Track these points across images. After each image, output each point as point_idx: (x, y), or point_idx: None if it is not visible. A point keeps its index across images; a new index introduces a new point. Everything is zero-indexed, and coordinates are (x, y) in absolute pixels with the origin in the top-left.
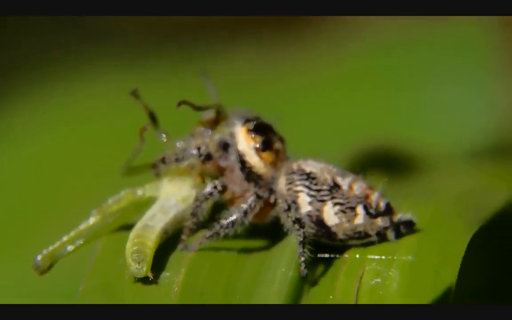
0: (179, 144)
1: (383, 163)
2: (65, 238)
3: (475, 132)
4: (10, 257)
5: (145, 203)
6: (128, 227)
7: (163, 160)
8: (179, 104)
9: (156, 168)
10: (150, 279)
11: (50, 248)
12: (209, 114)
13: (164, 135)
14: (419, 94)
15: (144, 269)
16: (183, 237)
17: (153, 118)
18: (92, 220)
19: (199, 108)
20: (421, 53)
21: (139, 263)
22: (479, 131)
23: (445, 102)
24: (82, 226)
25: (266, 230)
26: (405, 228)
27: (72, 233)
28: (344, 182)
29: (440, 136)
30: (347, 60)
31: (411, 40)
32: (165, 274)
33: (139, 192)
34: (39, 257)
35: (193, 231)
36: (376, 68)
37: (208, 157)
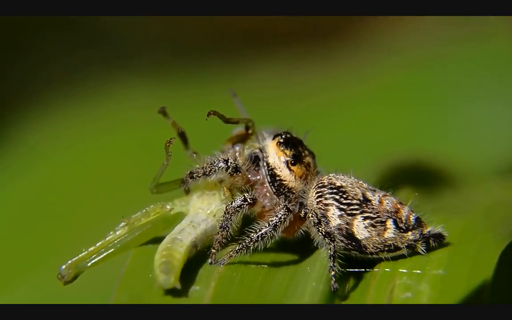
0: (207, 159)
1: (413, 178)
2: (91, 249)
3: (504, 148)
4: (39, 270)
5: (174, 219)
6: (158, 241)
7: (191, 175)
8: (209, 114)
9: (185, 184)
10: (178, 289)
11: (75, 258)
12: (239, 130)
13: (194, 154)
14: (449, 110)
15: (172, 280)
16: (213, 250)
17: (182, 136)
18: (119, 231)
19: (228, 121)
20: (452, 69)
21: (167, 273)
22: (508, 147)
23: (475, 118)
24: (109, 237)
25: (296, 244)
26: (435, 242)
27: (98, 244)
28: (374, 197)
29: (470, 152)
30: (377, 75)
31: (441, 55)
32: (195, 288)
33: (168, 206)
34: (63, 267)
35: (223, 245)
36: (405, 84)
37: (236, 169)
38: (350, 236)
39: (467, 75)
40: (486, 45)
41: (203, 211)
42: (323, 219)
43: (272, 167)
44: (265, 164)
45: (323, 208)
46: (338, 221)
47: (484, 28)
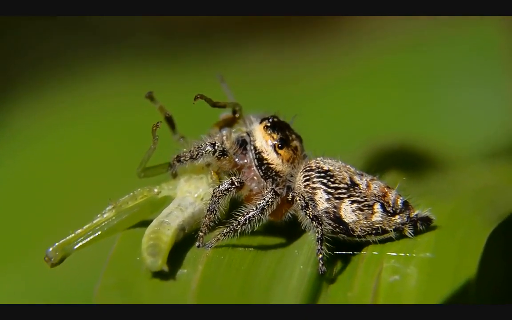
0: (194, 143)
1: (400, 162)
2: (78, 231)
3: (491, 132)
4: (26, 255)
5: (162, 203)
6: (145, 224)
7: (178, 159)
8: (196, 97)
9: (172, 168)
10: (165, 271)
11: (62, 240)
12: (226, 115)
13: (181, 138)
14: (436, 94)
15: (159, 262)
16: (201, 233)
17: (169, 120)
18: (106, 214)
19: (215, 104)
20: (439, 54)
21: (154, 256)
22: (495, 131)
23: (461, 102)
24: (96, 220)
25: (284, 228)
26: (423, 225)
27: (85, 227)
28: (361, 181)
29: (457, 136)
30: (364, 59)
31: (428, 40)
32: (183, 271)
33: (155, 189)
34: (50, 249)
35: (211, 228)
36: (392, 68)
37: (223, 153)
38: (337, 219)
39: (453, 60)
40: (473, 29)
41: (190, 195)
42: (310, 203)
43: (259, 150)
44: (252, 147)
45: (310, 191)
46: (326, 205)
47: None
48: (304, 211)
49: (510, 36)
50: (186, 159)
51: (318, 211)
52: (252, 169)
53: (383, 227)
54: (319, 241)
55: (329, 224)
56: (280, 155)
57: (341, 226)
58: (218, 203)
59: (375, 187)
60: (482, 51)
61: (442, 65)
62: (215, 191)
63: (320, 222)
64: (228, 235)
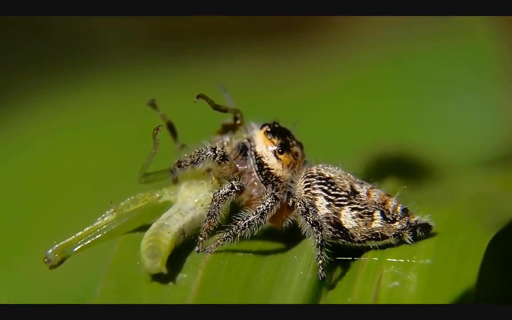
0: (195, 148)
1: (399, 170)
2: (78, 234)
3: (484, 140)
4: (25, 257)
5: (162, 208)
6: (144, 229)
7: (179, 164)
8: (198, 97)
9: (173, 173)
10: (164, 274)
11: (62, 242)
12: (227, 121)
13: (183, 146)
14: (430, 103)
15: (158, 264)
16: (200, 238)
17: (171, 128)
18: (107, 218)
19: (216, 107)
20: (433, 63)
21: (153, 258)
22: (489, 139)
23: (456, 111)
24: (97, 223)
25: (284, 233)
26: (422, 231)
27: (86, 229)
28: (362, 189)
29: (451, 145)
30: (361, 67)
31: (423, 49)
32: (182, 276)
33: (157, 194)
34: (50, 250)
35: (210, 233)
36: (389, 77)
37: (224, 158)
38: (337, 225)
39: (447, 70)
40: (466, 39)
41: (191, 200)
42: (311, 208)
43: (260, 155)
44: (252, 153)
45: (311, 197)
46: (326, 211)
47: (463, 22)
48: (305, 217)
49: (501, 45)
50: (187, 164)
51: (319, 217)
52: (253, 174)
53: (382, 233)
54: (319, 247)
55: (329, 229)
56: (281, 160)
57: (341, 232)
58: (218, 208)
59: (375, 195)
60: (475, 61)
61: (436, 74)
62: (215, 195)
63: (321, 227)
64: (228, 240)
